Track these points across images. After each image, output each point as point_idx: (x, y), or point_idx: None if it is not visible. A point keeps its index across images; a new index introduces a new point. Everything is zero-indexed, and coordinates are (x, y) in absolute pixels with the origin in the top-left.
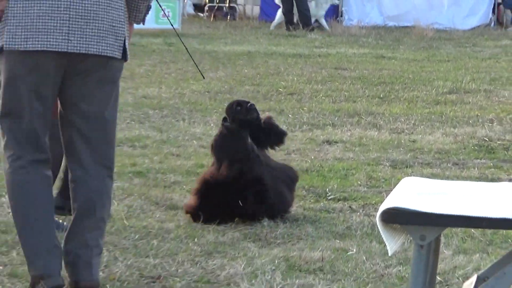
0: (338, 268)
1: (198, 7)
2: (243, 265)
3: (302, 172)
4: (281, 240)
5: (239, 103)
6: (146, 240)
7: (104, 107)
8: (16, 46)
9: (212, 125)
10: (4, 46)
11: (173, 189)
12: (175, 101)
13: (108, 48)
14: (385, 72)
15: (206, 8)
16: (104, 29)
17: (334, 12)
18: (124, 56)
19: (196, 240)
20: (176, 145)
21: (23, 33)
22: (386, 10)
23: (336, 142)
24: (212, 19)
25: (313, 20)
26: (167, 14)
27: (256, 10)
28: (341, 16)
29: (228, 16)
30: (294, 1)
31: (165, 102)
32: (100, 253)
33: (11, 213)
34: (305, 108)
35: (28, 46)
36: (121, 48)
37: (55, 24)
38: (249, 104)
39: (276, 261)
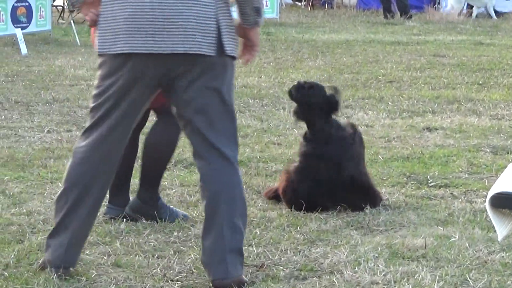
0: (441, 255)
1: None
2: (346, 253)
3: (403, 159)
4: (384, 227)
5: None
6: (249, 229)
7: (211, 101)
8: (106, 50)
9: None
10: (98, 50)
11: (274, 178)
12: (275, 90)
13: (195, 45)
14: (484, 59)
15: None
16: (190, 27)
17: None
18: (221, 51)
19: (298, 228)
20: (277, 134)
21: (111, 37)
22: None
23: (436, 129)
24: (310, 8)
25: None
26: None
27: None
28: (439, 3)
29: (326, 5)
30: None
31: (265, 91)
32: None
33: None
34: (404, 96)
35: (116, 49)
36: (213, 44)
37: (140, 26)
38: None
39: (379, 249)
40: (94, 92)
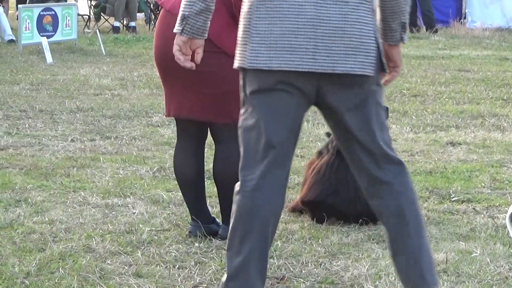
0: (462, 270)
1: None
2: (367, 267)
3: (426, 173)
4: None
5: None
6: None
7: (369, 118)
8: (260, 65)
9: None
10: (248, 64)
11: (297, 190)
12: None
13: (357, 65)
14: (509, 74)
15: None
16: (352, 46)
17: (458, 14)
18: (382, 69)
19: (320, 241)
20: (300, 146)
21: (266, 52)
22: (509, 11)
23: (459, 143)
24: None
25: None
26: None
27: None
28: (465, 18)
29: None
30: (417, 3)
31: None
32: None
33: (136, 213)
34: (428, 110)
35: (272, 65)
36: (373, 64)
37: (300, 43)
38: None
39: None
40: (242, 110)
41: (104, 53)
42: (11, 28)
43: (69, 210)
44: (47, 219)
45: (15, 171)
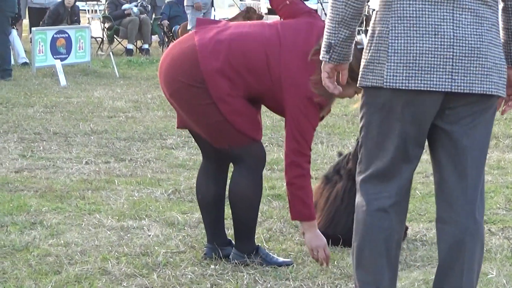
0: None
1: None
2: None
3: None
4: (421, 263)
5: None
6: None
7: (482, 144)
8: (397, 84)
9: (350, 148)
10: (385, 84)
11: None
12: None
13: (492, 86)
14: None
15: None
16: (488, 66)
17: None
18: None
19: (336, 263)
20: (315, 168)
21: (405, 71)
22: None
23: None
24: None
25: None
26: None
27: None
28: None
29: None
30: None
31: None
32: None
33: (151, 235)
34: None
35: (410, 85)
36: (504, 86)
37: (438, 62)
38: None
39: (416, 284)
40: (367, 127)
41: (118, 76)
42: (25, 51)
43: (85, 232)
44: (62, 241)
45: (30, 193)
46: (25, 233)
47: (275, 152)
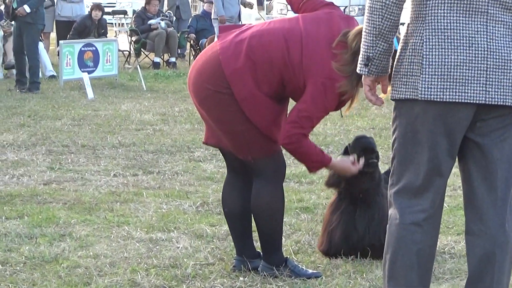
0: None
1: None
2: None
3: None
4: (449, 275)
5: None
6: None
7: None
8: (432, 96)
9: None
10: (420, 96)
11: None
12: (340, 137)
13: None
14: None
15: None
16: None
17: None
18: None
19: (364, 275)
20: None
21: (439, 83)
22: None
23: None
24: None
25: None
26: None
27: None
28: None
29: None
30: None
31: (330, 138)
32: None
33: (180, 248)
34: None
35: (444, 96)
36: None
37: (472, 74)
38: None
39: None
40: (399, 140)
41: (145, 89)
42: (52, 64)
43: (114, 244)
44: (91, 253)
45: (58, 205)
46: (54, 245)
47: (303, 165)
